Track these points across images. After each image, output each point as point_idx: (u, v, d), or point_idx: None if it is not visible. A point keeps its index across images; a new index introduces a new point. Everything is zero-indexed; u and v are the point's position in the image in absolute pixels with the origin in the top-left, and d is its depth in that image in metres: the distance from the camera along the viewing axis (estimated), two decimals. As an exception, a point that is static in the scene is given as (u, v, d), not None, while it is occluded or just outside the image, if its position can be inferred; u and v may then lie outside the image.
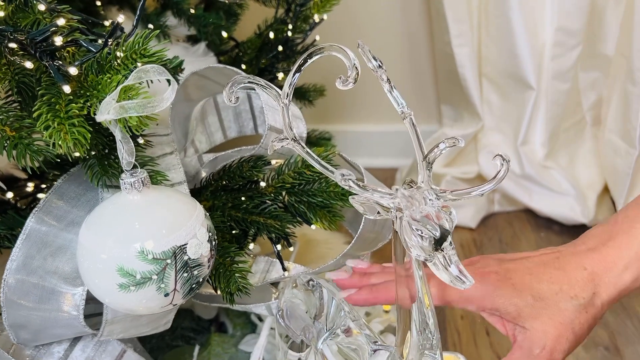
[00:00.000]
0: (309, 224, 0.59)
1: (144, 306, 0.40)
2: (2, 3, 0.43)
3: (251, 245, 0.62)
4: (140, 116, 0.35)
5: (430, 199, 0.37)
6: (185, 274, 0.40)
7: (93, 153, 0.46)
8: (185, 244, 0.40)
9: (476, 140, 1.28)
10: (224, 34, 0.82)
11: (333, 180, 0.59)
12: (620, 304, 0.98)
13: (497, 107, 1.23)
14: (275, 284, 0.64)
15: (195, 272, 0.41)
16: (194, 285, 0.42)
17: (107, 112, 0.34)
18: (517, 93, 1.18)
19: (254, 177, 0.59)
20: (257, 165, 0.58)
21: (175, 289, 0.40)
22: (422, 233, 0.35)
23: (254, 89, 0.67)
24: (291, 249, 0.67)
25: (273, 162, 0.61)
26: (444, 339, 0.92)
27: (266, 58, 0.85)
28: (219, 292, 0.51)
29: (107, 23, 0.51)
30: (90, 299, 0.48)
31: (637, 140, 1.02)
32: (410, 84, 1.39)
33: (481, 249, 1.18)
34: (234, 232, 0.60)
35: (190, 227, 0.40)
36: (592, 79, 1.19)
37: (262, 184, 0.59)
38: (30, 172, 0.60)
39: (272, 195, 0.59)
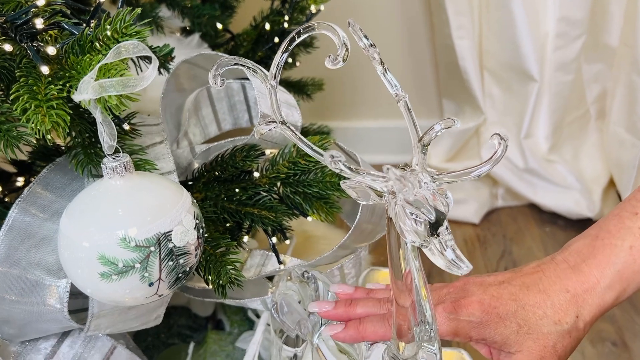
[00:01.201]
0: (305, 215, 0.58)
1: (128, 296, 0.39)
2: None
3: (245, 238, 0.61)
4: (121, 96, 0.34)
5: (425, 182, 0.35)
6: (171, 263, 0.38)
7: (78, 141, 0.45)
8: (170, 231, 0.38)
9: (478, 135, 1.26)
10: (219, 26, 0.81)
11: (329, 170, 0.57)
12: (627, 299, 0.96)
13: (499, 100, 1.21)
14: (271, 278, 0.62)
15: (181, 261, 0.39)
16: (180, 275, 0.40)
17: (86, 91, 0.33)
18: (519, 85, 1.16)
19: (247, 167, 0.57)
20: (250, 155, 0.56)
21: (160, 279, 0.38)
22: (416, 217, 0.33)
23: (247, 78, 0.66)
24: (287, 242, 0.66)
25: (267, 152, 0.60)
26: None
27: (262, 50, 0.84)
28: (210, 285, 0.50)
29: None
30: (78, 294, 0.46)
31: (643, 132, 1.00)
32: (411, 77, 1.37)
33: (485, 244, 1.16)
34: (227, 224, 0.59)
35: (175, 214, 0.39)
36: (596, 70, 1.17)
37: (256, 174, 0.57)
38: (14, 162, 0.59)
39: (267, 186, 0.57)
